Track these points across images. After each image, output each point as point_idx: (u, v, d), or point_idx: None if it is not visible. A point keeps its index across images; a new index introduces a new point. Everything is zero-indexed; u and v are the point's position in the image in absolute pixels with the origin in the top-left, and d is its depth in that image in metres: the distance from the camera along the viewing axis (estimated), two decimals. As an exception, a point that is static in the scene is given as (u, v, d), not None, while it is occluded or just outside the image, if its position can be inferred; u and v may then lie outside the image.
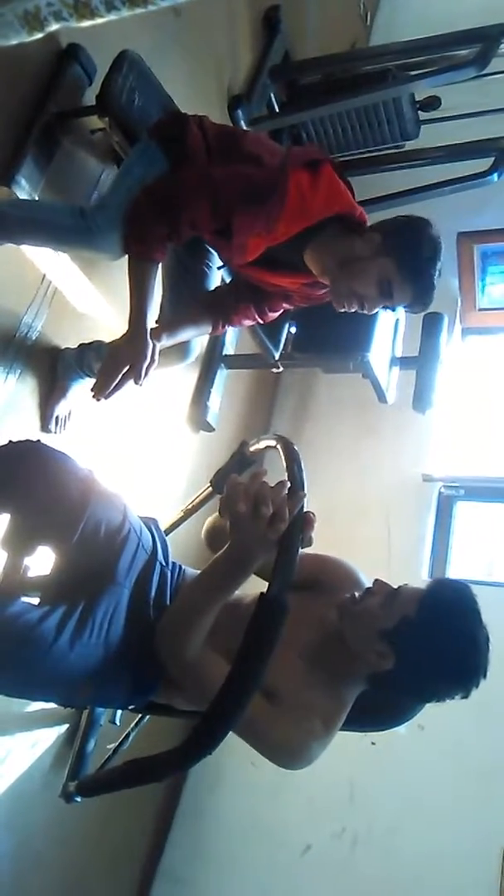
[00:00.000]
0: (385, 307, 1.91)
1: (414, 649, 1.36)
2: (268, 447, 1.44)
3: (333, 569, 1.61)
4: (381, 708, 1.60)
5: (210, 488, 1.97)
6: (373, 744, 2.90)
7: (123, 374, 1.83)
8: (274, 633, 1.07)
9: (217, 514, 1.74)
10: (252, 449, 1.63)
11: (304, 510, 1.18)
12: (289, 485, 1.18)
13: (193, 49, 3.07)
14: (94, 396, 1.86)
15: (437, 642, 1.35)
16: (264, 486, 1.17)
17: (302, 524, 1.17)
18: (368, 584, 1.52)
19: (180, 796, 3.35)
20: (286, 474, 1.22)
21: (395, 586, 1.43)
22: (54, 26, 1.22)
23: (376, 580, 1.47)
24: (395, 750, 2.95)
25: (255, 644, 1.07)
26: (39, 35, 1.22)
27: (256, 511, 1.15)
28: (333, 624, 1.45)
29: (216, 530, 1.75)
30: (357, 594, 1.46)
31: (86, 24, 1.23)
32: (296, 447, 1.28)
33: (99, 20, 1.22)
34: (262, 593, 1.09)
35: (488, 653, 1.37)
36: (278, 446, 1.31)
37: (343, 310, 1.92)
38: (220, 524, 1.72)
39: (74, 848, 2.83)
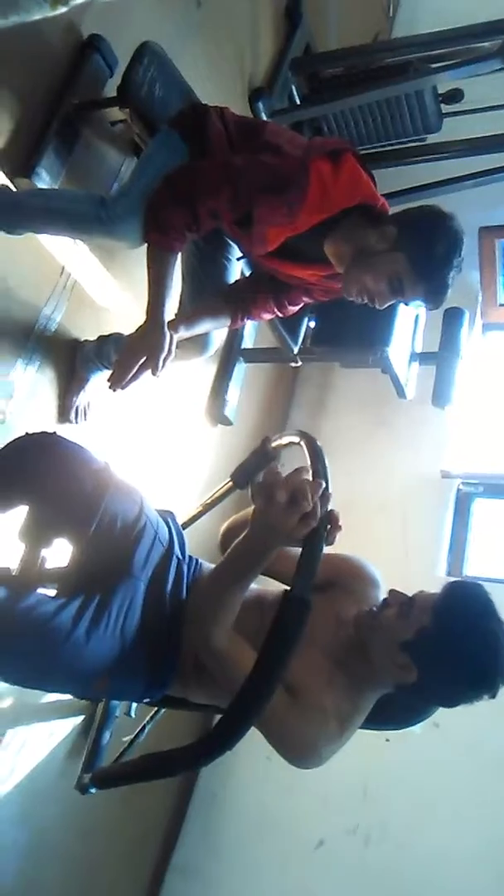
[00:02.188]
0: (398, 301, 1.88)
1: (435, 659, 1.35)
2: (290, 443, 1.43)
3: (350, 568, 1.60)
4: (403, 709, 1.59)
5: (230, 483, 1.95)
6: (387, 741, 2.90)
7: (140, 365, 1.83)
8: (297, 630, 1.06)
9: (231, 520, 1.73)
10: (274, 444, 1.62)
11: (330, 509, 1.18)
12: (324, 484, 1.17)
13: (215, 41, 3.06)
14: (110, 387, 1.86)
15: (456, 649, 1.33)
16: (306, 481, 1.17)
17: (328, 523, 1.16)
18: (383, 582, 1.51)
19: (194, 789, 3.36)
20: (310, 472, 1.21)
21: (410, 595, 1.42)
22: (78, 0, 1.18)
23: (391, 590, 1.46)
24: (410, 747, 2.94)
25: (278, 642, 1.06)
26: (63, 9, 1.19)
27: (295, 504, 1.14)
28: (352, 631, 1.44)
29: (232, 537, 1.73)
30: (374, 608, 1.45)
31: None
32: (319, 444, 1.27)
33: None
34: (285, 590, 1.08)
35: None
36: (302, 443, 1.30)
37: (352, 300, 1.89)
38: (239, 528, 1.70)
39: (88, 839, 2.85)
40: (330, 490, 1.17)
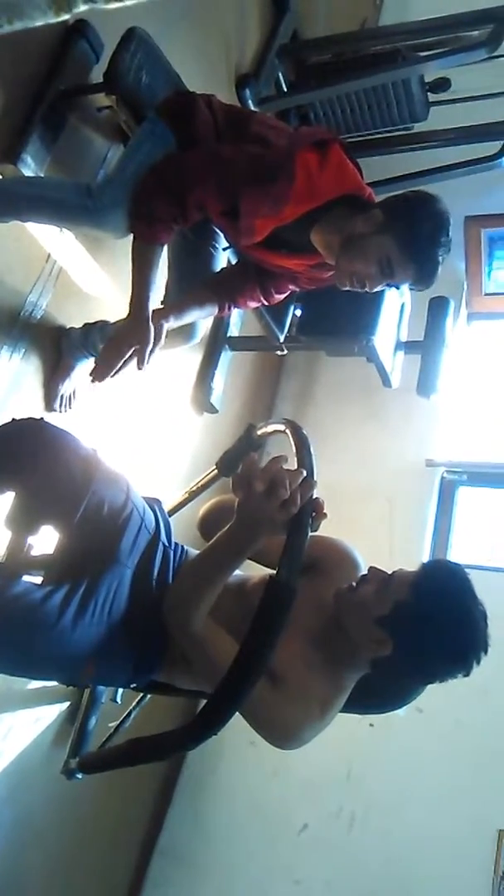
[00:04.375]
0: (389, 285, 1.88)
1: (409, 632, 1.36)
2: (276, 431, 1.43)
3: (332, 551, 1.61)
4: (383, 691, 1.61)
5: (215, 470, 1.96)
6: (371, 725, 2.93)
7: (126, 358, 1.83)
8: (282, 616, 1.07)
9: (210, 504, 1.74)
10: (260, 432, 1.63)
11: (314, 497, 1.19)
12: (305, 472, 1.18)
13: (202, 27, 3.04)
14: (93, 381, 1.86)
15: (432, 623, 1.35)
16: (283, 469, 1.18)
17: (312, 510, 1.18)
18: (366, 566, 1.52)
19: (180, 774, 3.38)
20: (295, 460, 1.22)
21: (390, 572, 1.44)
22: (83, 8, 1.17)
23: (371, 567, 1.47)
24: (394, 732, 2.98)
25: (263, 627, 1.07)
26: (66, 16, 1.18)
27: (273, 492, 1.15)
28: (331, 614, 1.46)
29: (211, 519, 1.73)
30: (353, 583, 1.46)
31: (114, 6, 1.19)
32: (305, 432, 1.28)
33: (129, 2, 1.17)
34: (270, 576, 1.09)
35: (486, 627, 1.36)
36: (287, 431, 1.30)
37: (346, 288, 1.90)
38: (217, 512, 1.71)
39: (74, 824, 2.87)
40: (315, 478, 1.19)
